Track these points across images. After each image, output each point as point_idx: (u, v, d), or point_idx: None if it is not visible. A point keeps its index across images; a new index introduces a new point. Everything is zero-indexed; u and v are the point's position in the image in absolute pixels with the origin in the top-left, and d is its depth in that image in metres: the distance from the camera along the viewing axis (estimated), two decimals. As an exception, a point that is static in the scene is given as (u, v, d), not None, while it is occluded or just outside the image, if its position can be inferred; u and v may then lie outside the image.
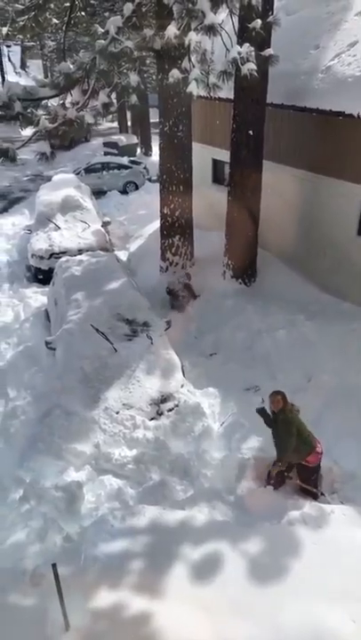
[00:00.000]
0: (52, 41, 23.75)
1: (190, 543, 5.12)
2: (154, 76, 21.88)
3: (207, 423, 7.08)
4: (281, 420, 5.79)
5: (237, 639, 4.11)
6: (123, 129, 28.24)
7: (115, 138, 24.41)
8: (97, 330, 7.70)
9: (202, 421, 7.05)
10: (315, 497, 5.97)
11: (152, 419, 6.97)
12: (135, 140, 24.79)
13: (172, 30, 5.03)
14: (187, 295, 10.38)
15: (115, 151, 22.91)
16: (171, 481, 6.29)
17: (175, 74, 5.41)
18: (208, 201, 11.90)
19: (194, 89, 5.43)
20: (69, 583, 4.37)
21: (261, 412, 6.06)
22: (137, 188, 19.66)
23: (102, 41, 5.33)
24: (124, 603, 4.52)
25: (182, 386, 7.45)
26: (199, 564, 4.91)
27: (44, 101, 5.64)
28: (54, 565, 4.18)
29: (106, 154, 23.02)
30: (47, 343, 8.13)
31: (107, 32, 5.40)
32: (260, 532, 5.32)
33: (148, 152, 24.49)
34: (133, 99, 6.14)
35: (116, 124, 29.24)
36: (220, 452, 6.80)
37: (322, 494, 6.01)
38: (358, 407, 7.05)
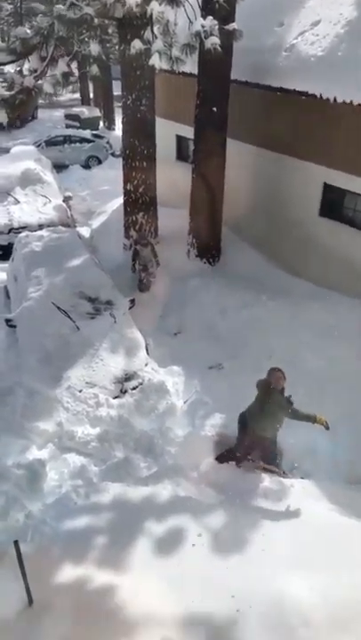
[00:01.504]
0: (9, 4, 22.55)
1: (154, 519, 5.19)
2: (116, 47, 21.23)
3: (171, 401, 7.14)
4: (276, 398, 5.66)
5: (202, 609, 4.23)
6: (85, 101, 27.43)
7: (77, 110, 23.69)
8: (58, 308, 7.58)
9: (166, 399, 7.10)
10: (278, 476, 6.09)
11: (116, 397, 6.97)
12: (98, 112, 24.14)
13: (134, -2, 4.89)
14: (151, 258, 9.81)
15: (76, 124, 22.27)
16: (135, 458, 6.34)
17: (137, 45, 5.29)
18: (172, 178, 11.76)
19: (156, 61, 5.33)
20: (32, 560, 4.37)
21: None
22: (100, 162, 19.22)
23: (61, 6, 5.14)
24: (89, 577, 4.56)
25: (146, 364, 7.46)
26: (163, 538, 4.99)
27: None
28: (16, 542, 4.17)
29: (67, 126, 22.36)
30: (7, 321, 7.96)
31: (66, -3, 5.21)
32: (223, 506, 5.45)
33: (110, 126, 23.89)
34: (94, 69, 5.99)
35: (77, 96, 28.34)
36: (184, 429, 6.88)
37: (284, 473, 6.15)
38: (317, 384, 7.23)
